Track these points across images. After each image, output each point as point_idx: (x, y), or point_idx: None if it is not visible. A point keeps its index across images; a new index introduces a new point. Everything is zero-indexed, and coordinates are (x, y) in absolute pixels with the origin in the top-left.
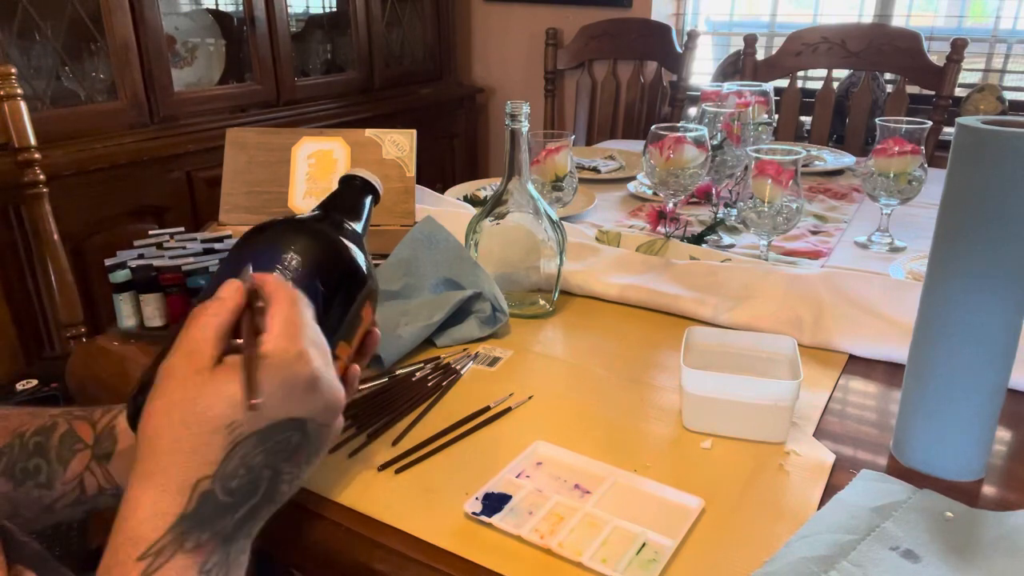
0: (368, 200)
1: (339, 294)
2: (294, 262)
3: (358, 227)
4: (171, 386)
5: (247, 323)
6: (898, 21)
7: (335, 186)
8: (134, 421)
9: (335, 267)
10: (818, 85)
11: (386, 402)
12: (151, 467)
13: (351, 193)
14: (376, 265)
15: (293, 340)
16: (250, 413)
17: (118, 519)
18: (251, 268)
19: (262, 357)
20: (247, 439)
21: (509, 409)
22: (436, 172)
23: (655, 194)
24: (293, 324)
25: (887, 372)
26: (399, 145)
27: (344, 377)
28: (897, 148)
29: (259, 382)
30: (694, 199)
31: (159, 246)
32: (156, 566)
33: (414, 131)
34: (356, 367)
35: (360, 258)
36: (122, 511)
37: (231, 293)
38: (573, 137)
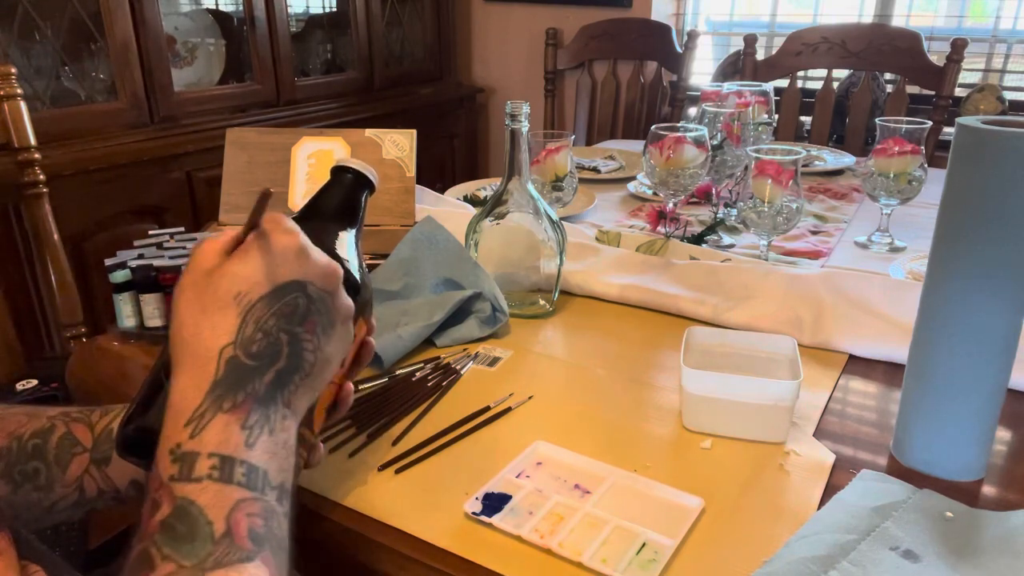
0: (363, 195)
1: None
2: None
3: (352, 229)
4: (185, 291)
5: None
6: (898, 21)
7: None
8: (122, 448)
9: None
10: (818, 85)
11: (386, 402)
12: (181, 354)
13: (343, 189)
14: (376, 265)
15: (278, 222)
16: (253, 281)
17: (167, 405)
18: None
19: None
20: (256, 304)
21: (509, 409)
22: (436, 172)
23: (655, 194)
24: (280, 217)
25: (887, 372)
26: (399, 145)
27: (336, 396)
28: (897, 148)
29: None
30: (694, 199)
31: (159, 246)
32: (201, 427)
33: (414, 131)
34: (349, 385)
35: (352, 266)
36: (169, 399)
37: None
38: (573, 137)
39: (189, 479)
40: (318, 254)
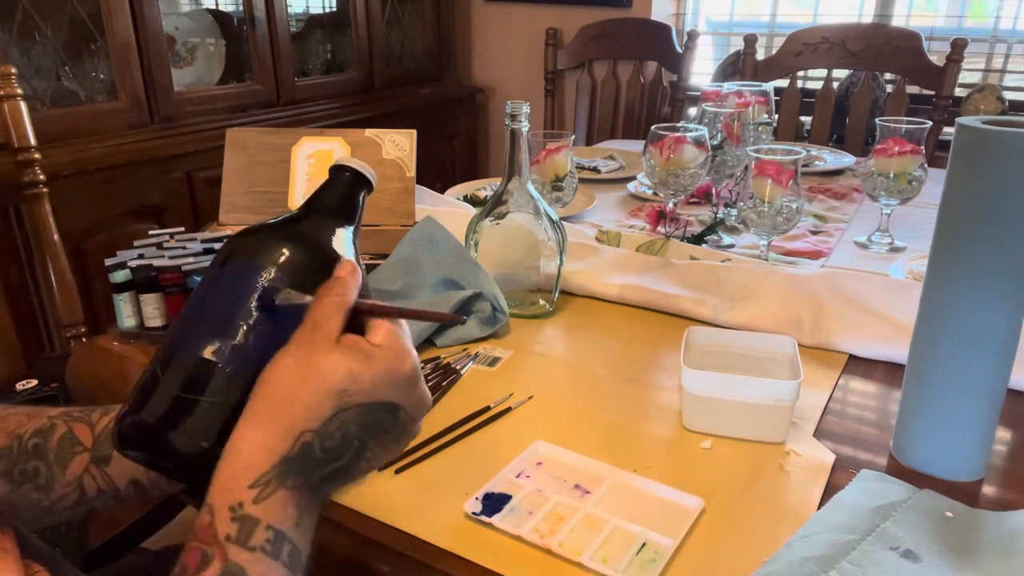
0: (361, 193)
1: None
2: (280, 274)
3: (349, 227)
4: (300, 349)
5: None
6: (898, 21)
7: None
8: (120, 443)
9: (324, 276)
10: (818, 85)
11: None
12: (265, 409)
13: (342, 188)
14: (376, 265)
15: (401, 339)
16: (361, 388)
17: (230, 448)
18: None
19: (377, 347)
20: (351, 408)
21: (509, 409)
22: (436, 172)
23: (655, 194)
24: (398, 328)
25: (887, 372)
26: (399, 145)
27: None
28: (897, 148)
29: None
30: (694, 199)
31: (159, 246)
32: (266, 494)
33: (414, 131)
34: None
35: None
36: (234, 442)
37: (349, 272)
38: (573, 137)
39: (245, 546)
40: (423, 385)
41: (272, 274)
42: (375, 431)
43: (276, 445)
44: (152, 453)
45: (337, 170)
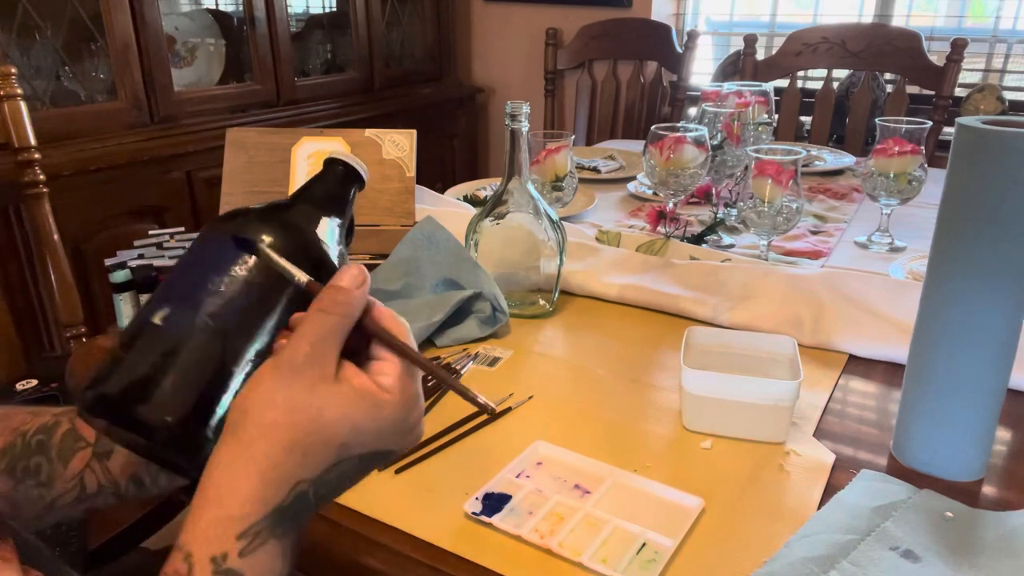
0: (352, 188)
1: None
2: (262, 257)
3: (336, 219)
4: (296, 387)
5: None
6: (898, 21)
7: None
8: (89, 412)
9: (305, 263)
10: (818, 85)
11: None
12: (260, 453)
13: (332, 181)
14: (376, 265)
15: (414, 384)
16: (362, 441)
17: (212, 491)
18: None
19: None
20: (351, 459)
21: (509, 409)
22: (436, 172)
23: (655, 194)
24: (412, 368)
25: (887, 372)
26: (399, 145)
27: None
28: (897, 148)
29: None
30: (694, 199)
31: (159, 246)
32: (254, 547)
33: (414, 131)
34: None
35: (332, 253)
36: (218, 485)
37: (358, 285)
38: (573, 137)
39: None
40: (421, 428)
41: (256, 257)
42: (368, 471)
43: (269, 495)
44: (115, 419)
45: (330, 163)
